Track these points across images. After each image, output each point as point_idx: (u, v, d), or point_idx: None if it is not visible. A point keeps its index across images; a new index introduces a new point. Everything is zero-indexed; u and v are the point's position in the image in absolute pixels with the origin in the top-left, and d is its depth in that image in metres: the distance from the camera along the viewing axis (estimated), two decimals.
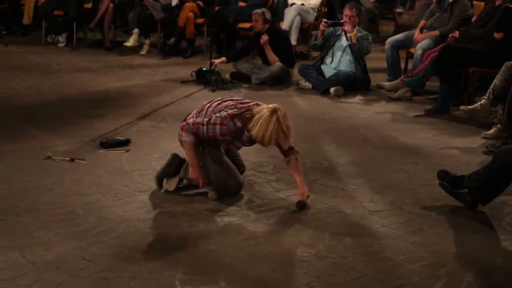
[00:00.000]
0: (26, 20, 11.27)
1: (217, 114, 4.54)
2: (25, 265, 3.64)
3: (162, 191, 4.73)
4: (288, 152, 4.72)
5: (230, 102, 4.66)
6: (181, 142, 4.63)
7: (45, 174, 5.00)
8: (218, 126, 4.52)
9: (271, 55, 8.41)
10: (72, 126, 6.26)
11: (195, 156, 4.62)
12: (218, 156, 4.75)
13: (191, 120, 4.62)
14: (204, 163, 4.67)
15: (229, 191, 4.71)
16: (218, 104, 4.68)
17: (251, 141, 4.67)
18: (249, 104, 4.62)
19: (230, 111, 4.54)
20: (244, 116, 4.52)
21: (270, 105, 4.48)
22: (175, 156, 4.82)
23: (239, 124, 4.53)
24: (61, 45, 10.64)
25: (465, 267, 3.84)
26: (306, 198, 4.61)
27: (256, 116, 4.43)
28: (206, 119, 4.55)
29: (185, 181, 4.80)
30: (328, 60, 8.31)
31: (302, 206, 4.57)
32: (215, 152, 4.74)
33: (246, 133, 4.58)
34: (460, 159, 5.75)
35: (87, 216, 4.29)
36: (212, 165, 4.68)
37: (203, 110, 4.69)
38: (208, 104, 4.72)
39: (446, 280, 3.66)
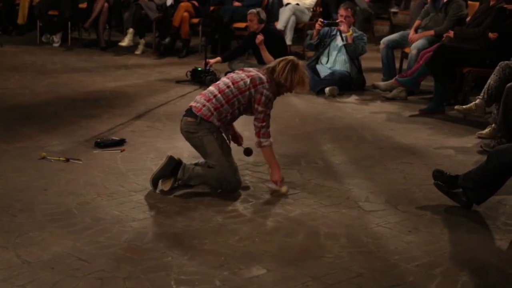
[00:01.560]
0: (21, 20, 11.25)
1: (263, 91, 4.73)
2: (20, 265, 3.63)
3: (157, 191, 4.72)
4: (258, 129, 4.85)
5: (245, 78, 4.80)
6: (263, 148, 4.83)
7: (40, 174, 4.99)
8: (272, 98, 4.81)
9: (266, 55, 8.41)
10: (67, 126, 6.25)
11: (276, 159, 4.85)
12: (228, 151, 4.80)
13: (259, 124, 4.77)
14: (211, 151, 4.73)
15: (225, 187, 4.73)
16: (233, 84, 4.78)
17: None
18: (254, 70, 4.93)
19: (264, 78, 4.78)
20: (267, 73, 4.84)
21: (285, 57, 4.92)
22: (171, 159, 4.78)
23: (266, 77, 4.81)
24: (56, 45, 10.63)
25: (460, 267, 3.84)
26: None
27: (280, 65, 4.82)
28: (263, 108, 4.74)
29: (180, 182, 4.80)
30: (323, 60, 8.32)
31: (249, 152, 5.03)
32: (225, 145, 4.79)
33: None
34: (455, 158, 5.76)
35: (82, 216, 4.29)
36: (219, 156, 4.71)
37: (216, 96, 4.76)
38: (217, 90, 4.79)
39: (441, 280, 3.66)
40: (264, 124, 4.77)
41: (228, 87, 4.78)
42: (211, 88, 4.86)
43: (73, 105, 7.10)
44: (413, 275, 3.71)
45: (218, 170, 4.71)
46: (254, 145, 4.87)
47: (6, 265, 3.62)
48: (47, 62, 9.39)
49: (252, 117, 4.85)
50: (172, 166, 4.74)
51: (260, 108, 4.74)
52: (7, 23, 11.39)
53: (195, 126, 4.75)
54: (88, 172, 5.07)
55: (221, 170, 4.72)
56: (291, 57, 4.91)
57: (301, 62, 4.89)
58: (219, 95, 4.75)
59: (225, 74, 8.33)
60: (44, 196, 4.60)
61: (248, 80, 4.76)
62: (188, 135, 4.82)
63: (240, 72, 4.90)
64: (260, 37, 8.37)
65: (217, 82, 4.91)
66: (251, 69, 4.95)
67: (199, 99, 4.82)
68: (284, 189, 4.80)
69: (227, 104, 4.75)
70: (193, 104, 4.83)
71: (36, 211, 4.34)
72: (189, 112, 4.81)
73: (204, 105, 4.75)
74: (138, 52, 10.27)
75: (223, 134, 4.83)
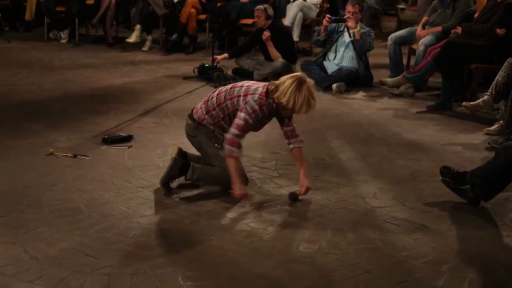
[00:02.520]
0: (28, 16, 11.29)
1: (249, 100, 4.48)
2: (28, 261, 3.64)
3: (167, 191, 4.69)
4: (293, 136, 4.72)
5: (243, 85, 4.64)
6: (228, 156, 4.49)
7: (48, 170, 5.00)
8: (258, 111, 4.49)
9: (273, 51, 8.40)
10: (74, 122, 6.26)
11: (240, 172, 4.54)
12: None
13: (232, 130, 4.48)
14: (213, 155, 4.68)
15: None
16: (230, 88, 4.67)
17: (271, 115, 4.66)
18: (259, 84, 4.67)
19: (260, 90, 4.52)
20: (269, 89, 4.52)
21: (293, 74, 4.52)
22: (176, 160, 4.69)
23: (270, 99, 4.52)
24: (63, 41, 10.65)
25: (467, 263, 3.84)
26: (307, 191, 4.61)
27: (285, 84, 4.41)
28: (244, 115, 4.46)
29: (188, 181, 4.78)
30: (330, 56, 8.31)
31: (294, 197, 4.58)
32: (222, 146, 4.71)
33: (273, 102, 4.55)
34: (463, 155, 5.75)
35: (90, 212, 4.30)
36: (221, 160, 4.61)
37: (212, 98, 4.69)
38: (216, 93, 4.72)
39: (448, 276, 3.66)
40: (239, 133, 4.47)
41: (226, 90, 4.68)
42: (215, 95, 4.74)
43: (80, 101, 7.11)
44: (421, 271, 3.70)
45: (225, 172, 4.60)
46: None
47: (14, 260, 3.63)
48: (54, 58, 9.40)
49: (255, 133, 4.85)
50: (180, 166, 4.70)
51: (241, 115, 4.47)
52: (15, 19, 11.43)
53: (194, 130, 4.75)
54: (96, 168, 5.08)
55: (228, 172, 4.60)
56: (298, 75, 4.48)
57: (309, 80, 4.46)
58: (214, 98, 4.69)
59: (232, 71, 8.44)
60: (51, 192, 4.61)
61: (243, 88, 4.60)
62: (189, 138, 4.84)
63: (250, 82, 4.75)
64: (267, 34, 8.36)
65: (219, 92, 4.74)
66: (260, 83, 4.72)
67: (200, 104, 4.79)
68: (255, 199, 4.54)
69: (218, 108, 4.64)
70: (194, 109, 4.81)
71: (44, 207, 4.35)
72: (191, 113, 4.81)
73: (200, 107, 4.74)
74: (145, 48, 10.27)
75: (220, 137, 4.67)
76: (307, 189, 4.62)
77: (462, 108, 6.83)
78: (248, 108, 4.48)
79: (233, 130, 4.48)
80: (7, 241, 3.85)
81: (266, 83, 4.61)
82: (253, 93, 4.52)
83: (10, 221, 4.12)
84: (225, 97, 4.63)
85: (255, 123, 4.59)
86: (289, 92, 4.37)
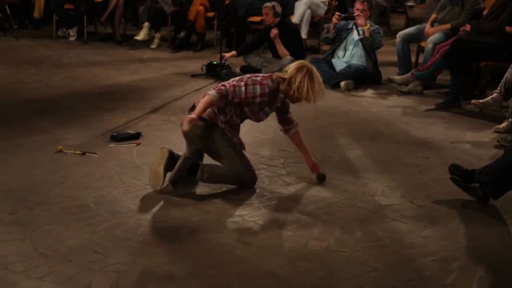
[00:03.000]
0: (37, 13, 11.33)
1: (253, 78, 4.65)
2: (37, 258, 3.65)
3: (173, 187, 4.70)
4: (292, 121, 4.90)
5: (250, 77, 4.73)
6: (205, 96, 4.55)
7: (56, 168, 5.02)
8: (258, 86, 4.61)
9: (281, 49, 8.40)
10: (83, 120, 6.27)
11: (205, 112, 4.57)
12: (239, 151, 4.75)
13: (228, 83, 4.59)
14: (224, 154, 4.67)
15: (243, 184, 4.71)
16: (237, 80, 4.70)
17: (275, 105, 4.77)
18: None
19: (266, 77, 4.69)
20: (275, 79, 4.68)
21: (299, 65, 4.68)
22: (186, 160, 4.68)
23: (275, 84, 4.66)
24: (71, 38, 10.66)
25: (476, 261, 3.83)
26: (318, 168, 4.95)
27: (293, 72, 4.63)
28: (243, 82, 4.60)
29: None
30: (339, 53, 8.30)
31: (323, 177, 4.91)
32: (237, 146, 4.74)
33: (280, 93, 4.70)
34: (472, 153, 5.73)
35: (99, 210, 4.31)
36: (233, 158, 4.64)
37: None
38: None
39: (457, 274, 3.65)
40: (228, 88, 4.53)
41: (232, 85, 4.65)
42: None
43: (88, 99, 7.13)
44: (429, 269, 3.69)
45: (235, 170, 4.65)
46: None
47: (23, 257, 3.64)
48: (63, 56, 9.42)
49: (256, 123, 4.92)
50: (188, 166, 4.68)
51: (241, 83, 4.59)
52: (24, 17, 11.46)
53: (205, 131, 4.66)
54: (104, 166, 5.09)
55: (238, 171, 4.66)
56: (304, 65, 4.67)
57: (314, 67, 4.69)
58: None
59: (240, 68, 8.43)
60: (60, 189, 4.62)
61: (251, 78, 4.68)
62: (198, 139, 4.71)
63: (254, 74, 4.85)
64: (275, 31, 8.36)
65: (228, 81, 4.74)
66: (264, 74, 4.84)
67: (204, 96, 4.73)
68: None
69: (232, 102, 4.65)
70: (198, 101, 4.69)
71: (53, 204, 4.36)
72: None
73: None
74: (153, 46, 10.28)
75: (231, 136, 4.72)
76: (317, 166, 4.95)
77: (471, 106, 6.82)
78: (250, 81, 4.63)
79: (227, 83, 4.59)
80: (16, 238, 3.86)
81: (275, 77, 4.70)
82: (263, 78, 4.69)
83: (19, 218, 4.14)
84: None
85: (252, 104, 4.65)
86: (305, 84, 4.58)
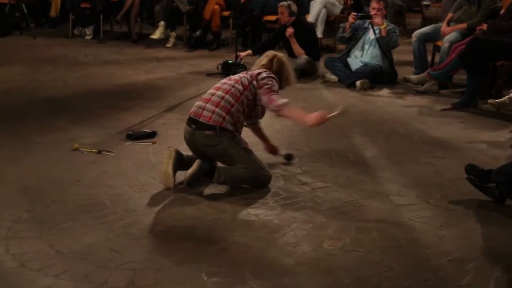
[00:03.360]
0: (54, 12, 11.39)
1: (263, 76, 4.83)
2: (53, 255, 3.67)
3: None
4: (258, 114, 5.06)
5: (245, 75, 4.90)
6: (282, 108, 4.74)
7: (73, 166, 5.04)
8: (274, 80, 4.86)
9: (296, 48, 8.39)
10: (99, 118, 6.30)
11: (299, 110, 4.88)
12: (250, 151, 4.77)
13: (268, 97, 4.74)
14: (238, 157, 4.67)
15: (258, 184, 4.71)
16: (235, 83, 4.82)
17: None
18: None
19: (261, 71, 4.90)
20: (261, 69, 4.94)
21: (270, 56, 5.02)
22: (201, 164, 4.69)
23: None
24: (88, 37, 10.72)
25: (493, 262, 3.81)
26: (276, 149, 5.21)
27: (280, 64, 4.98)
28: (267, 84, 4.78)
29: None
30: (355, 53, 8.28)
31: (289, 156, 5.18)
32: (245, 147, 4.75)
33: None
34: (488, 153, 5.70)
35: (114, 208, 4.32)
36: (246, 159, 4.67)
37: (223, 98, 4.71)
38: (223, 91, 4.77)
39: (473, 275, 3.63)
40: (274, 93, 4.76)
41: (233, 86, 4.75)
42: (215, 91, 4.77)
43: (104, 98, 7.16)
44: (445, 269, 3.68)
45: (249, 171, 4.66)
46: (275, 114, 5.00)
47: (40, 255, 3.66)
48: (79, 54, 9.47)
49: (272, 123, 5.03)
50: (205, 170, 4.71)
51: (265, 86, 4.76)
52: (40, 15, 11.54)
53: (216, 138, 4.65)
54: (120, 164, 5.11)
55: (252, 171, 4.67)
56: (274, 54, 5.03)
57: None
58: (227, 96, 4.70)
59: None
60: (76, 187, 4.64)
61: (248, 76, 4.83)
62: (209, 149, 4.70)
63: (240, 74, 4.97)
64: (290, 30, 8.36)
65: (218, 85, 4.82)
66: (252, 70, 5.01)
67: (204, 105, 4.71)
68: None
69: (237, 103, 4.70)
70: (198, 112, 4.70)
71: (69, 202, 4.39)
72: (198, 123, 4.68)
73: (213, 112, 4.65)
74: (169, 44, 10.31)
75: (239, 137, 4.80)
76: (276, 149, 5.22)
77: (487, 105, 6.79)
78: (266, 79, 4.80)
79: (269, 96, 4.73)
80: (33, 236, 3.88)
81: (260, 69, 4.92)
82: (258, 73, 4.85)
83: (36, 216, 4.16)
84: (239, 90, 4.75)
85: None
86: (286, 69, 4.99)
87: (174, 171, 4.63)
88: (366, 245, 3.93)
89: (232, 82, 4.79)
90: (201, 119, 4.67)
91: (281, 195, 4.63)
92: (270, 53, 5.06)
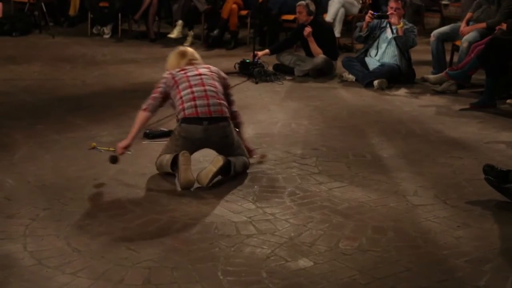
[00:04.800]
0: (72, 11, 11.47)
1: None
2: (70, 253, 3.70)
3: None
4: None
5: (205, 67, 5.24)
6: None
7: (90, 164, 5.07)
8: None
9: (314, 47, 8.38)
10: (117, 117, 6.33)
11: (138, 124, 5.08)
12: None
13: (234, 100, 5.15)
14: (238, 142, 4.99)
15: (246, 169, 4.97)
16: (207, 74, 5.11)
17: None
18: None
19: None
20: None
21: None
22: (227, 162, 4.75)
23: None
24: (106, 36, 10.77)
25: (510, 263, 3.78)
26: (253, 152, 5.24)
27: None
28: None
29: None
30: (372, 52, 8.26)
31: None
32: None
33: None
34: (506, 153, 5.66)
35: (131, 206, 4.34)
36: (241, 144, 5.02)
37: (215, 91, 4.97)
38: (209, 84, 5.01)
39: (491, 276, 3.61)
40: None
41: (212, 78, 5.05)
42: (209, 87, 4.95)
43: (122, 96, 7.19)
44: (462, 270, 3.66)
45: (245, 155, 5.01)
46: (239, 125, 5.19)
47: (57, 253, 3.69)
48: (97, 53, 9.51)
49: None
50: (225, 169, 4.76)
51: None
52: (59, 14, 11.61)
53: (229, 127, 4.91)
54: (137, 163, 5.12)
55: (247, 156, 5.03)
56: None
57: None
58: (217, 88, 4.99)
59: (273, 67, 8.43)
60: (94, 185, 4.67)
61: (211, 68, 5.17)
62: (227, 139, 4.89)
63: (198, 69, 5.16)
64: (308, 29, 8.34)
65: (198, 82, 4.99)
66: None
67: (207, 102, 4.86)
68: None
69: (223, 94, 5.04)
70: (204, 111, 4.82)
71: (86, 201, 4.41)
72: (211, 118, 4.82)
73: (220, 104, 4.90)
74: (187, 44, 10.27)
75: None
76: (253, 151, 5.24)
77: (506, 105, 6.75)
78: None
79: (235, 108, 5.19)
80: (51, 234, 3.91)
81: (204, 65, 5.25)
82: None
83: (54, 213, 4.19)
84: (219, 81, 5.06)
85: None
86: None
87: (193, 175, 4.67)
88: (382, 245, 3.92)
89: (213, 80, 5.03)
90: (214, 115, 4.83)
91: (297, 195, 4.63)
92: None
